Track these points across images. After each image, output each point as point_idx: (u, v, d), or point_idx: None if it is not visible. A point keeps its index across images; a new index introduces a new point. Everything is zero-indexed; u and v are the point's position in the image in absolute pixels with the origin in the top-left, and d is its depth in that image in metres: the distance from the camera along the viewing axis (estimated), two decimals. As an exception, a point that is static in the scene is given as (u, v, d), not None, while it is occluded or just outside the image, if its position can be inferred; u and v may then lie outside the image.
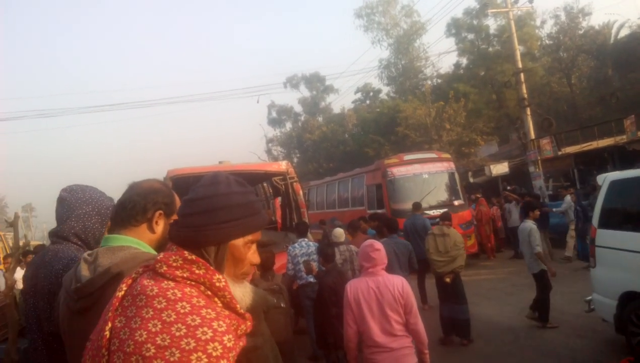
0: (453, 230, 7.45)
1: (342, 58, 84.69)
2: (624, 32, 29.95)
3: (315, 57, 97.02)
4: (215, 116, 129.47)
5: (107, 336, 1.15)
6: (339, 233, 7.08)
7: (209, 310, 1.16)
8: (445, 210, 10.40)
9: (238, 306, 1.24)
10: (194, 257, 1.22)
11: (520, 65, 19.15)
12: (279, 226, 10.82)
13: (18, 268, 8.21)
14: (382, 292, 3.57)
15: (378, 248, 3.73)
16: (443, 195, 14.09)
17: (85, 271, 1.64)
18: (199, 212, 1.25)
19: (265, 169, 9.58)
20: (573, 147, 19.96)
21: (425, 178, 14.00)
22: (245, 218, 1.31)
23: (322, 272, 5.93)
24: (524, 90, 19.08)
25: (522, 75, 18.98)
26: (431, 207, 13.06)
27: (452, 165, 14.79)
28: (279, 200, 11.59)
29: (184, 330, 1.09)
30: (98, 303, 1.56)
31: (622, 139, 17.70)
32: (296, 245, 7.04)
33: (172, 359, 1.06)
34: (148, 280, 1.20)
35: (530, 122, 19.03)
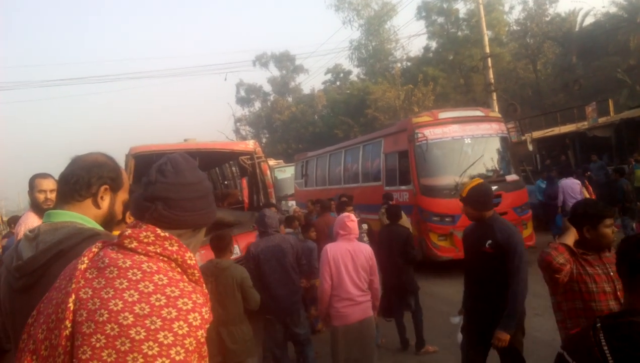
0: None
1: (312, 38, 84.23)
2: (588, 20, 30.68)
3: (285, 35, 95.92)
4: (182, 93, 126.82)
5: (72, 308, 1.12)
6: None
7: (186, 284, 1.19)
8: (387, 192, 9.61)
9: (204, 285, 1.27)
10: (167, 234, 1.22)
11: (488, 50, 19.34)
12: (246, 206, 10.74)
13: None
14: (356, 254, 4.28)
15: (353, 219, 4.41)
16: (492, 168, 10.40)
17: (27, 248, 1.58)
18: (199, 197, 1.31)
19: (232, 148, 9.45)
20: (536, 132, 20.43)
21: (468, 143, 10.25)
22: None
23: None
24: (491, 75, 19.32)
25: (489, 60, 19.19)
26: None
27: (503, 127, 11.05)
28: (245, 179, 11.48)
29: (164, 300, 1.12)
30: (41, 281, 1.51)
31: (583, 125, 18.18)
32: None
33: (153, 327, 1.08)
34: (116, 254, 1.19)
35: (497, 107, 19.32)
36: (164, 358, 1.07)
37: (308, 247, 6.25)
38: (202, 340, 1.16)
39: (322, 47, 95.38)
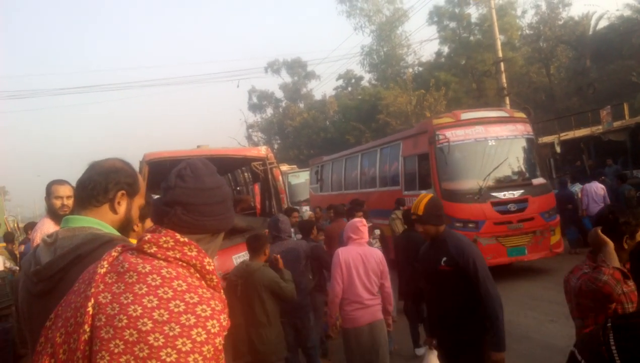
0: None
1: (324, 44, 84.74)
2: (602, 24, 30.39)
3: (297, 42, 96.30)
4: (194, 100, 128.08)
5: (91, 312, 1.12)
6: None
7: (204, 290, 1.18)
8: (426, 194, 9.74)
9: (222, 291, 1.26)
10: (186, 239, 1.22)
11: (500, 54, 19.24)
12: (258, 212, 10.77)
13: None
14: (367, 258, 4.37)
15: (365, 224, 4.56)
16: (518, 171, 9.94)
17: (45, 253, 1.59)
18: (218, 202, 1.31)
19: (244, 154, 9.48)
20: (550, 137, 20.25)
21: (492, 145, 9.75)
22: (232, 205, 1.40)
23: None
24: (504, 80, 19.21)
25: (502, 64, 19.09)
26: (501, 187, 9.41)
27: (529, 128, 10.49)
28: (257, 185, 11.51)
29: (183, 307, 1.11)
30: (59, 286, 1.52)
31: (598, 129, 17.97)
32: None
33: (171, 333, 1.07)
34: (136, 259, 1.19)
35: (509, 112, 19.22)
36: None
37: (317, 246, 6.28)
38: (220, 347, 1.14)
39: (333, 53, 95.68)
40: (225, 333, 1.17)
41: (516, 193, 9.39)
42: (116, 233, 1.67)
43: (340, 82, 42.88)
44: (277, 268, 4.43)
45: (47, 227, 3.18)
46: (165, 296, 1.11)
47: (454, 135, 9.70)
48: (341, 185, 14.98)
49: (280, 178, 9.00)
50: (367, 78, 40.81)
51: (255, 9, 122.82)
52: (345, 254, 4.39)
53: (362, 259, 4.36)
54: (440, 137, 9.62)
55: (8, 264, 7.77)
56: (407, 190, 10.70)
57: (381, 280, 4.42)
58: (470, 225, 9.09)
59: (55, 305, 1.45)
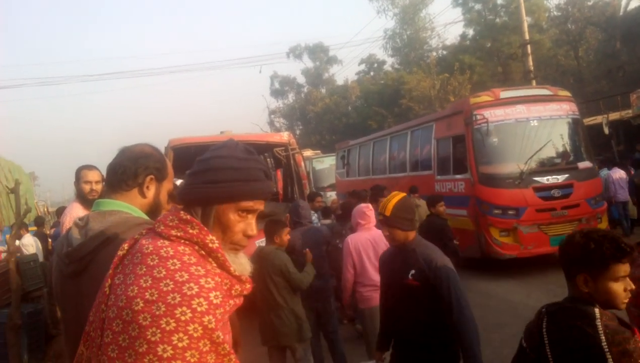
0: (423, 201, 8.02)
1: (346, 28, 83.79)
2: (633, 4, 29.33)
3: (319, 26, 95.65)
4: (217, 86, 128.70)
5: (107, 292, 1.18)
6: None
7: (199, 268, 1.17)
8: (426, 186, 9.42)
9: (232, 267, 1.24)
10: (188, 217, 1.23)
11: (527, 36, 18.79)
12: (280, 197, 10.84)
13: (27, 235, 8.29)
14: (377, 242, 4.49)
15: (371, 209, 4.82)
16: (562, 154, 9.24)
17: (76, 235, 1.64)
18: (192, 173, 1.28)
19: (267, 140, 9.54)
20: (588, 119, 19.77)
21: (534, 126, 9.08)
22: (235, 182, 1.24)
23: None
24: (531, 63, 18.78)
25: (529, 47, 18.65)
26: (544, 171, 8.81)
27: (574, 107, 9.73)
28: (280, 171, 11.57)
29: (172, 286, 1.11)
30: (89, 267, 1.58)
31: (627, 113, 17.48)
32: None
33: (157, 313, 1.08)
34: (146, 240, 1.23)
35: (536, 95, 18.79)
36: (165, 345, 1.06)
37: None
38: (211, 326, 1.10)
39: (355, 38, 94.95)
40: (219, 311, 1.14)
41: (560, 178, 8.79)
42: (145, 216, 1.72)
43: (363, 66, 42.56)
44: (295, 256, 4.45)
45: (76, 211, 3.26)
46: (158, 275, 1.12)
47: (493, 115, 9.05)
48: (369, 170, 14.36)
49: (302, 164, 9.03)
50: (389, 62, 40.39)
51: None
52: (354, 241, 4.54)
53: (371, 244, 4.50)
54: (478, 117, 9.00)
55: (40, 246, 8.01)
56: (440, 175, 10.22)
57: None
58: (510, 212, 8.59)
59: (86, 286, 1.51)
